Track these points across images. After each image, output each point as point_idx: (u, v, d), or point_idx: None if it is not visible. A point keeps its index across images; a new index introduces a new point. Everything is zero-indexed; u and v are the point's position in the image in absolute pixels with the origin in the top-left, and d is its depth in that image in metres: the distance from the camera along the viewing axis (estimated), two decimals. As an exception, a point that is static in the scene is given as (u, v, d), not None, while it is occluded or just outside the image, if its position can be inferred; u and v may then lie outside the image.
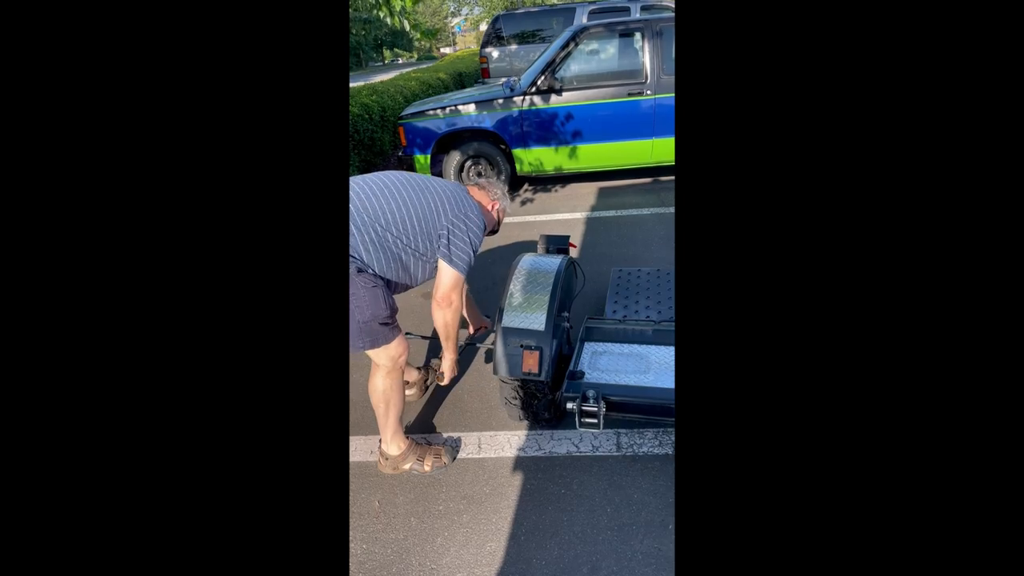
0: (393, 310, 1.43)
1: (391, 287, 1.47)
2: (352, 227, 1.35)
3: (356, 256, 1.35)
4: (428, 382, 1.98)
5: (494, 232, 1.74)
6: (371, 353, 1.43)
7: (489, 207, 1.66)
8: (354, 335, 1.36)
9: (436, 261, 1.49)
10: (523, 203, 4.05)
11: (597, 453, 1.60)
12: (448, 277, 1.47)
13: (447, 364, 1.66)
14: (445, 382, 1.71)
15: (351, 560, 1.34)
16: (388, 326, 1.41)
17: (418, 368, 1.98)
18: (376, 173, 1.50)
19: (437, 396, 1.95)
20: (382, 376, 1.47)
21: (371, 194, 1.41)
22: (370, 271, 1.38)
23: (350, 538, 1.40)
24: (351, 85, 5.73)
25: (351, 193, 1.40)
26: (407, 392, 1.87)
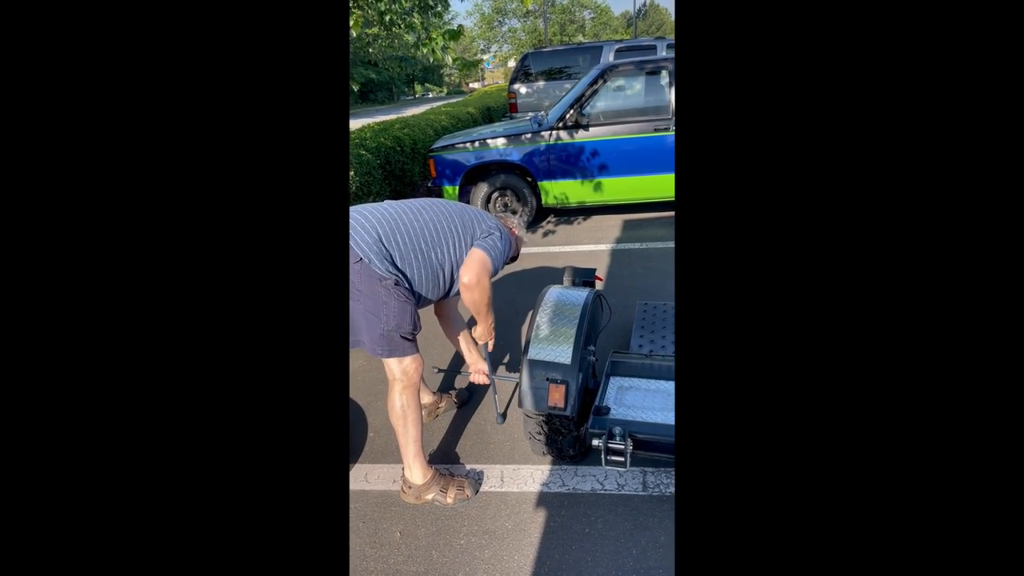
0: (416, 328, 1.51)
1: (422, 303, 1.56)
2: (403, 237, 1.45)
3: (401, 268, 1.45)
4: (441, 407, 2.00)
5: (514, 259, 1.82)
6: (387, 363, 1.49)
7: (512, 235, 1.76)
8: (375, 341, 1.44)
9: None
10: (547, 234, 4.09)
11: (623, 492, 1.57)
12: (478, 257, 1.52)
13: (484, 333, 1.71)
14: (488, 346, 1.78)
15: (371, 592, 1.33)
16: (408, 341, 1.48)
17: (433, 392, 2.02)
18: (417, 199, 1.60)
19: (460, 427, 1.94)
20: (398, 393, 1.50)
21: (415, 210, 1.52)
22: (405, 286, 1.46)
23: (370, 569, 1.39)
24: (383, 119, 5.95)
25: (394, 212, 1.50)
26: None
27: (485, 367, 1.82)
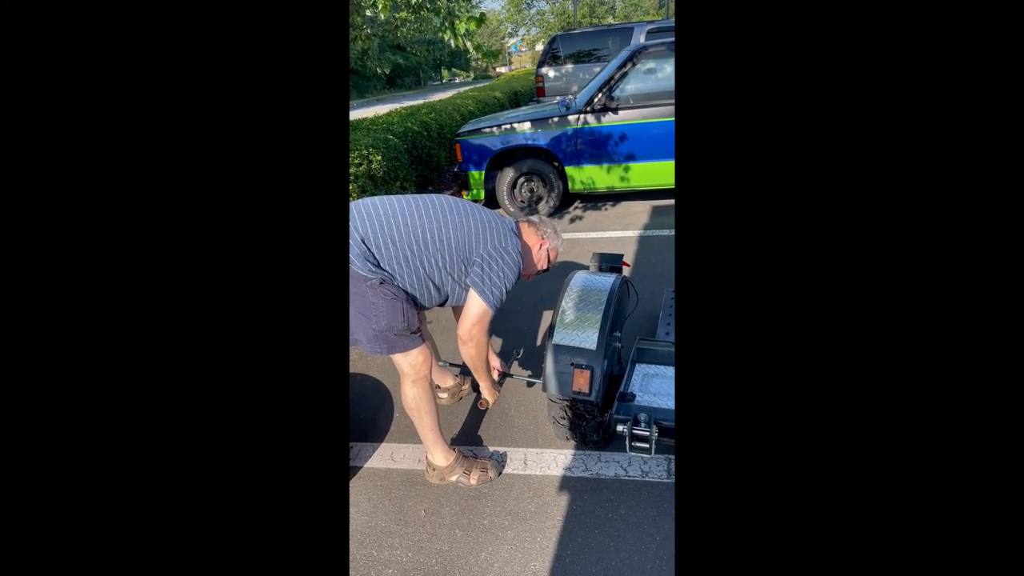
0: (411, 323, 1.44)
1: (417, 303, 1.49)
2: (388, 242, 1.39)
3: (386, 269, 1.39)
4: (464, 390, 2.02)
5: (545, 271, 1.74)
6: (393, 359, 1.47)
7: (538, 246, 1.65)
8: (371, 341, 1.42)
9: (468, 286, 1.49)
10: (574, 220, 4.05)
11: (647, 478, 1.56)
12: (475, 309, 1.47)
13: (485, 391, 1.74)
14: (490, 406, 1.80)
15: (396, 567, 1.36)
16: (404, 336, 1.43)
17: (455, 375, 2.02)
18: (426, 195, 1.53)
19: (483, 409, 1.96)
20: (408, 385, 1.50)
21: (414, 212, 1.43)
22: (395, 283, 1.41)
23: (395, 545, 1.42)
24: (410, 104, 5.96)
25: (393, 209, 1.43)
26: (440, 396, 1.94)
27: (493, 389, 1.77)
